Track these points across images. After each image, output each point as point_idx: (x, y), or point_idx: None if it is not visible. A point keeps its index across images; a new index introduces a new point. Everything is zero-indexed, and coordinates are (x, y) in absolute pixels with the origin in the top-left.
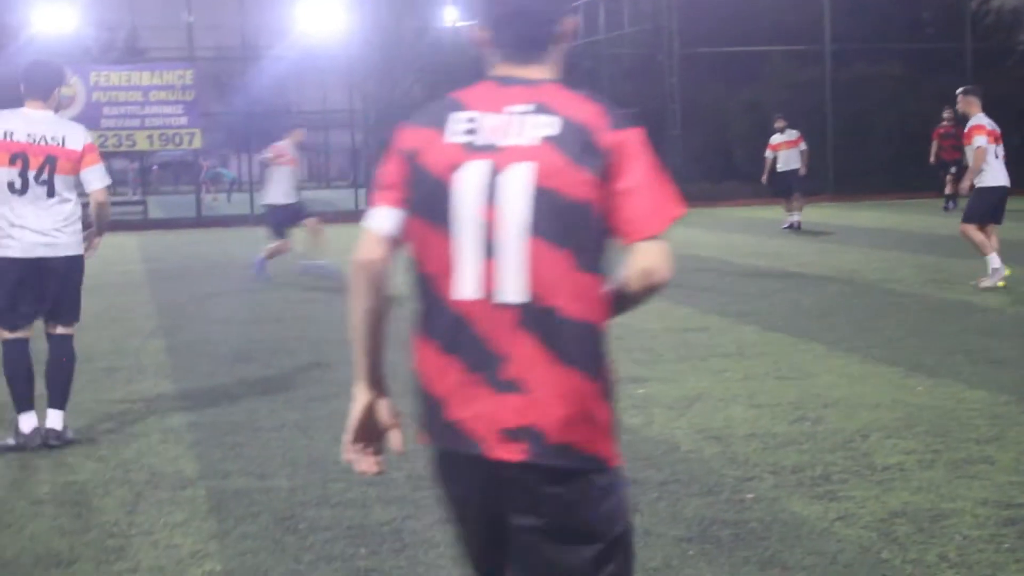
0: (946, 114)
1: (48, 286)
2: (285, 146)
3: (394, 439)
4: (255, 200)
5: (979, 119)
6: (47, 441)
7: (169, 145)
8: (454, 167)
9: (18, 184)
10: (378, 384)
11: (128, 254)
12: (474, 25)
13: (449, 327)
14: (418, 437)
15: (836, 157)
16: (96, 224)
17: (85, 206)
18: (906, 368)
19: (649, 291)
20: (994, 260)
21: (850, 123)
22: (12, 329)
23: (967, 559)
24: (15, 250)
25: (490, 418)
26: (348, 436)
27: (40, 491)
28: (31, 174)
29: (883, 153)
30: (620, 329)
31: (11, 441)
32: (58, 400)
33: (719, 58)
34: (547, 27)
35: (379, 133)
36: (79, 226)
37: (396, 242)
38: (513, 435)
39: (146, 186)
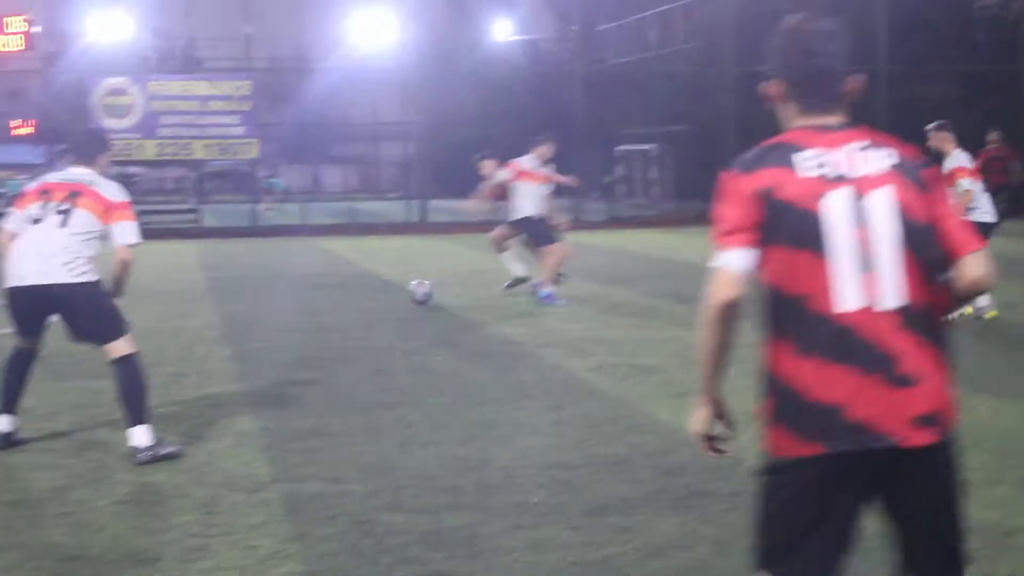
0: (992, 136)
1: (65, 316)
2: (528, 162)
3: (726, 444)
4: (305, 211)
5: (958, 159)
6: (133, 459)
7: (226, 155)
8: (818, 196)
9: (38, 215)
10: (717, 401)
11: (186, 261)
12: (771, 82)
13: (834, 339)
14: (797, 448)
15: None
16: (114, 285)
17: None
18: (970, 388)
19: (977, 294)
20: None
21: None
22: (22, 339)
23: None
24: (12, 280)
25: (899, 411)
26: (698, 436)
27: (119, 492)
28: (51, 204)
29: None
30: (678, 344)
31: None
32: (128, 419)
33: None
34: (842, 82)
35: (432, 145)
36: (81, 261)
37: (747, 281)
38: (923, 422)
39: (201, 195)
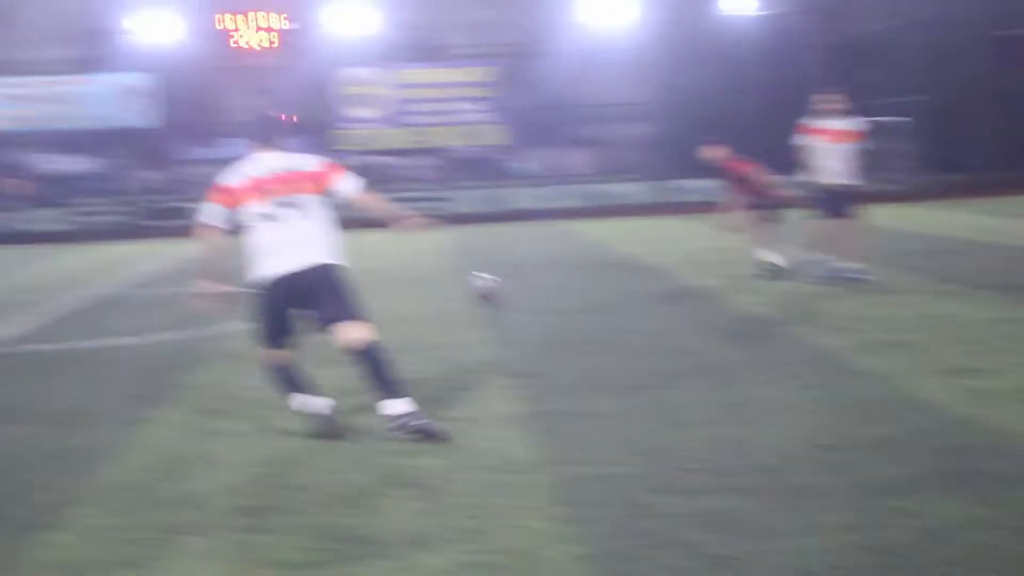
0: None
1: (311, 296)
2: (830, 121)
3: None
4: (548, 194)
5: None
6: (389, 428)
7: (473, 141)
8: None
9: (268, 212)
10: None
11: (435, 247)
12: None
13: None
14: None
15: None
16: (385, 216)
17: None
18: None
19: None
20: None
21: None
22: (276, 347)
23: None
24: (272, 270)
25: None
26: None
27: (389, 474)
28: (275, 200)
29: None
30: (943, 321)
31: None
32: (382, 395)
33: None
34: None
35: (672, 124)
36: (329, 243)
37: None
38: None
39: (448, 182)
